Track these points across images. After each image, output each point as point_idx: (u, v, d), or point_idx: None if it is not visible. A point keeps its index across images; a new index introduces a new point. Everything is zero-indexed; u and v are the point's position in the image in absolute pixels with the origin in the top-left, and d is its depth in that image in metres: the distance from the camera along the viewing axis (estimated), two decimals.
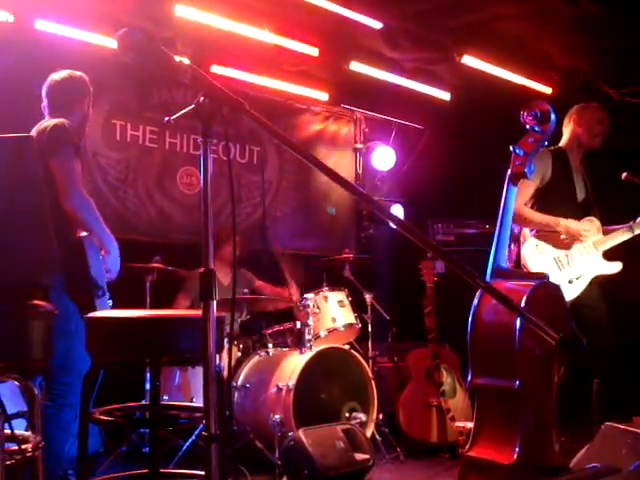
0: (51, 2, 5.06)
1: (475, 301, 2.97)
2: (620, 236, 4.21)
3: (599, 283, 4.10)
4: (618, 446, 2.84)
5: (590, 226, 4.14)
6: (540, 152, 4.01)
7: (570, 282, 3.94)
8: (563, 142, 4.27)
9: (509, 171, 3.24)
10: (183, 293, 5.42)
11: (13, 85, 4.94)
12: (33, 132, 3.41)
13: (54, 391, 3.28)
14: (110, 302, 3.37)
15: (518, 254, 4.10)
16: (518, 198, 3.92)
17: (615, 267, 4.12)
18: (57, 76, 3.63)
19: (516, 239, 4.18)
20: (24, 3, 5.03)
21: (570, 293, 3.91)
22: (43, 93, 3.62)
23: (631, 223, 4.25)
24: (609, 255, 4.17)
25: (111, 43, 5.28)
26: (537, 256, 3.96)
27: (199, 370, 4.25)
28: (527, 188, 4.00)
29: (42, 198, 2.28)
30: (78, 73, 3.67)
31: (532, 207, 4.12)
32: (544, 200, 4.02)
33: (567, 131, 4.29)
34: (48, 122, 3.40)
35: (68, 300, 3.20)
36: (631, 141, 5.27)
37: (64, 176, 3.27)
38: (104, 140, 5.81)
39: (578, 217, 4.12)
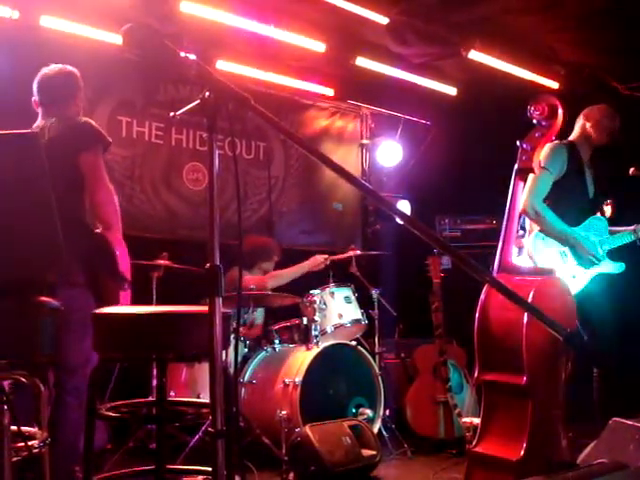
0: None
1: (482, 296, 2.96)
2: (624, 238, 4.19)
3: (606, 280, 4.08)
4: (626, 442, 2.83)
5: (598, 224, 4.13)
6: (556, 146, 3.99)
7: (573, 277, 3.93)
8: (573, 137, 4.24)
9: (516, 166, 3.24)
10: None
11: (18, 82, 4.93)
12: (36, 128, 3.44)
13: (75, 389, 3.27)
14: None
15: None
16: (536, 194, 3.89)
17: (618, 267, 4.10)
18: (49, 70, 3.63)
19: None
20: None
21: (573, 288, 3.88)
22: (35, 87, 3.62)
23: (635, 226, 4.23)
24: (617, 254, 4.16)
25: (116, 39, 5.27)
26: (543, 248, 3.94)
27: (205, 366, 4.25)
28: (546, 181, 3.94)
29: (47, 195, 2.27)
30: (69, 68, 3.66)
31: (545, 202, 4.05)
32: (556, 195, 3.99)
33: (577, 127, 4.27)
34: (79, 120, 3.50)
35: (89, 296, 3.23)
36: (639, 136, 5.24)
37: (94, 171, 3.37)
38: (110, 137, 5.77)
39: (588, 214, 4.10)
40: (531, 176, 3.69)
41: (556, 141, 3.91)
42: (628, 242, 4.21)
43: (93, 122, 3.52)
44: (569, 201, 4.04)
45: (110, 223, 3.37)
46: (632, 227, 4.24)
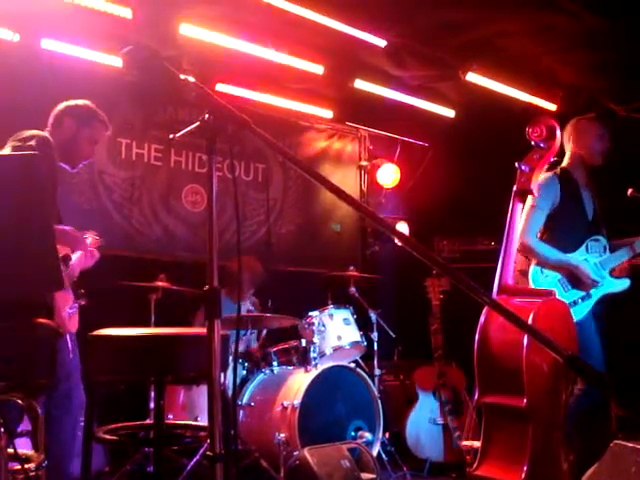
0: (57, 21, 5.08)
1: (482, 318, 2.95)
2: (622, 255, 4.12)
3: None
4: (627, 464, 2.81)
5: (596, 245, 4.08)
6: (547, 178, 3.92)
7: (575, 303, 3.87)
8: (566, 162, 4.18)
9: (515, 188, 3.24)
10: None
11: (19, 104, 4.95)
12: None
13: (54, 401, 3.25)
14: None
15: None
16: (528, 231, 3.82)
17: (622, 284, 4.05)
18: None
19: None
20: (30, 22, 5.05)
21: (575, 314, 3.78)
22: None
23: (633, 240, 4.15)
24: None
25: (116, 62, 5.30)
26: (542, 279, 3.89)
27: (203, 389, 4.23)
28: (538, 218, 3.89)
29: (49, 217, 2.27)
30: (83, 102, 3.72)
31: (543, 233, 3.99)
32: (553, 223, 3.93)
33: (568, 150, 4.23)
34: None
35: None
36: (637, 157, 5.25)
37: None
38: (110, 158, 5.82)
39: (588, 236, 4.05)
40: (527, 207, 3.65)
41: (549, 173, 3.88)
42: (625, 260, 4.14)
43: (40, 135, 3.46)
44: (567, 226, 3.98)
45: None
46: (629, 243, 4.14)
